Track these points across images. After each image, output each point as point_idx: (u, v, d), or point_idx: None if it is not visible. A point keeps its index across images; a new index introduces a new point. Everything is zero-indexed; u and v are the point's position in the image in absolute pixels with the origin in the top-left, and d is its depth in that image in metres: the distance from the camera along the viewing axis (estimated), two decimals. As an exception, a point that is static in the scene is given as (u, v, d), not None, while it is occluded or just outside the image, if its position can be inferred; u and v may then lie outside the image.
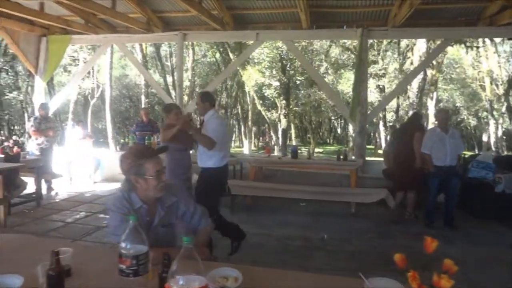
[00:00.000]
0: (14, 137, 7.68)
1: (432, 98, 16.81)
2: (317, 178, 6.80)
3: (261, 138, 31.70)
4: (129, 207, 1.93)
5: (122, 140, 24.52)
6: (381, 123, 20.97)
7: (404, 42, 18.27)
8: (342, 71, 20.66)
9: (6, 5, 6.18)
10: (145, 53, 19.91)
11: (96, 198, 6.76)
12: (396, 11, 6.32)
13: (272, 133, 23.77)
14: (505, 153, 18.52)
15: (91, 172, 7.97)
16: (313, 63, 18.06)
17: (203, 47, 22.16)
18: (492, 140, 19.52)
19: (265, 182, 6.74)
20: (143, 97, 21.13)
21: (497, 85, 18.78)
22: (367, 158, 7.62)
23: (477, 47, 18.21)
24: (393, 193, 5.95)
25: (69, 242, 4.08)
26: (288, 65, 18.95)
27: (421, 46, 14.15)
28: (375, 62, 18.17)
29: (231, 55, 19.24)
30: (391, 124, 21.37)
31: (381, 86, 19.33)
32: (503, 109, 19.06)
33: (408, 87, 14.66)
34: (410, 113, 15.39)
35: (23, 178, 5.84)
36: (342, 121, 31.73)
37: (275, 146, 21.41)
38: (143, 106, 18.91)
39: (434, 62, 14.34)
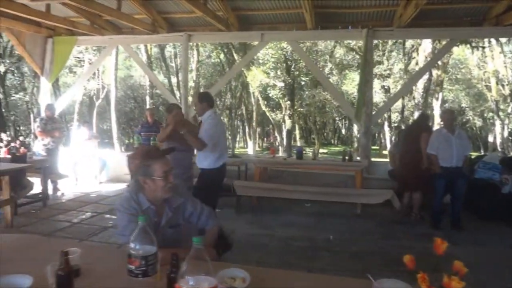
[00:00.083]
0: (20, 138, 7.71)
1: (437, 99, 16.73)
2: (322, 178, 6.79)
3: (265, 139, 31.70)
4: (137, 207, 1.94)
5: (126, 141, 24.63)
6: (386, 123, 20.89)
7: (409, 43, 18.21)
8: (347, 71, 20.60)
9: (13, 6, 6.22)
10: (150, 54, 20.00)
11: (102, 199, 6.79)
12: (401, 12, 6.30)
13: (276, 134, 23.76)
14: (512, 154, 18.40)
15: (97, 172, 8.01)
16: (317, 63, 18.03)
17: (208, 48, 22.20)
18: (498, 140, 19.39)
19: (270, 182, 6.74)
20: (147, 98, 21.21)
21: (503, 86, 18.66)
22: (372, 159, 7.59)
23: (483, 47, 18.11)
24: (399, 194, 5.93)
25: (75, 242, 4.10)
26: (292, 66, 18.93)
27: (426, 46, 14.10)
28: (380, 63, 18.11)
29: (235, 55, 19.26)
30: (396, 124, 21.28)
31: (386, 87, 19.26)
32: (509, 109, 18.94)
33: (414, 87, 14.61)
34: (416, 113, 15.36)
35: (29, 178, 5.88)
36: (347, 121, 31.68)
37: (279, 147, 21.39)
38: (148, 107, 18.95)
39: (439, 62, 14.27)
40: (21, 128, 23.08)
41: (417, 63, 17.07)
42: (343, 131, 35.70)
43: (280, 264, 4.03)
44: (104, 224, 5.29)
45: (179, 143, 4.16)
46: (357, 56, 18.54)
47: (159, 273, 1.50)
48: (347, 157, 6.47)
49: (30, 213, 5.76)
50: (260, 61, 18.31)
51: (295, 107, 20.35)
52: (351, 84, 19.83)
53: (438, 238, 1.30)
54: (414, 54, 18.21)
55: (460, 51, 20.18)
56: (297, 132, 22.31)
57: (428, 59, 12.94)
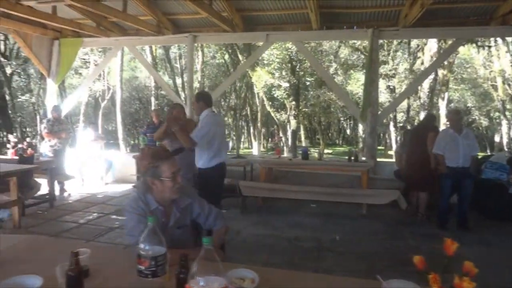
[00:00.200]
0: (27, 139, 7.76)
1: (443, 99, 16.64)
2: (328, 179, 6.77)
3: (270, 139, 31.69)
4: (145, 208, 1.95)
5: (132, 142, 24.73)
6: (391, 123, 20.80)
7: (414, 42, 18.13)
8: (352, 71, 20.54)
9: (19, 9, 6.28)
10: (154, 55, 20.07)
11: (108, 199, 6.82)
12: (407, 11, 6.27)
13: (281, 134, 23.75)
14: (518, 154, 18.25)
15: (103, 173, 8.04)
16: (322, 64, 18.00)
17: (212, 49, 22.25)
18: (505, 140, 19.25)
19: (276, 183, 6.74)
20: (152, 99, 21.29)
21: (509, 85, 18.52)
22: (378, 159, 7.56)
23: (489, 46, 17.99)
24: (405, 194, 5.91)
25: (83, 243, 4.13)
26: (297, 66, 18.92)
27: (432, 46, 14.03)
28: (385, 63, 18.04)
29: (240, 56, 19.28)
30: (401, 124, 21.19)
31: (391, 87, 19.19)
32: (516, 109, 18.80)
33: (419, 87, 14.53)
34: (421, 113, 15.28)
35: (36, 179, 5.92)
36: (351, 122, 31.59)
37: (284, 147, 21.37)
38: (153, 108, 19.04)
39: (445, 62, 14.19)
40: (28, 129, 23.23)
41: (422, 63, 16.99)
42: (348, 131, 35.60)
43: (286, 264, 4.03)
44: (110, 225, 5.31)
45: (179, 142, 4.18)
46: (362, 56, 18.49)
47: (168, 274, 1.51)
48: (352, 158, 6.45)
49: (37, 214, 5.80)
50: (265, 62, 18.31)
51: (300, 108, 20.33)
52: (355, 84, 19.77)
53: (448, 239, 1.29)
54: (420, 54, 18.12)
55: (465, 51, 20.06)
56: (302, 132, 22.28)
57: (434, 58, 12.87)
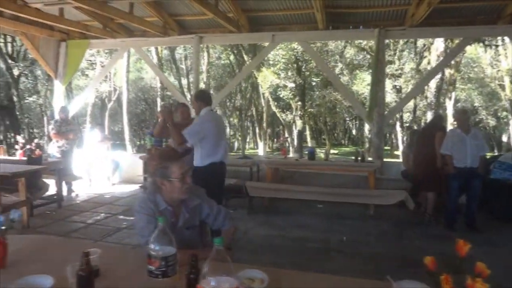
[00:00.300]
0: (35, 140, 7.83)
1: (450, 98, 16.52)
2: (334, 179, 6.75)
3: (275, 140, 31.67)
4: (154, 208, 1.96)
5: (138, 142, 24.83)
6: (398, 123, 20.70)
7: (421, 42, 18.02)
8: (357, 71, 20.47)
9: (27, 11, 6.34)
10: (160, 56, 20.14)
11: (115, 200, 6.85)
12: (413, 11, 6.24)
13: (287, 135, 23.73)
14: (527, 154, 18.02)
15: (110, 174, 8.08)
16: (328, 64, 17.96)
17: (217, 50, 22.29)
18: (513, 140, 19.09)
19: (282, 183, 6.73)
20: (158, 100, 21.35)
21: (517, 84, 18.34)
22: (384, 159, 7.53)
23: (496, 46, 17.83)
24: (413, 195, 5.88)
25: (91, 243, 4.15)
26: (303, 66, 18.89)
27: (438, 45, 13.94)
28: (391, 62, 17.96)
29: (245, 57, 19.29)
30: (407, 125, 21.08)
31: (397, 87, 19.10)
32: (524, 108, 18.57)
33: (426, 87, 14.44)
34: (428, 113, 15.20)
35: (44, 180, 5.96)
36: (357, 122, 31.47)
37: (290, 148, 21.34)
38: (159, 108, 19.09)
39: (452, 61, 14.10)
40: (35, 130, 23.41)
41: (429, 62, 16.89)
42: (354, 131, 35.47)
43: (293, 265, 4.01)
44: (118, 225, 5.34)
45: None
46: (368, 56, 18.42)
47: (178, 274, 1.51)
48: (359, 158, 6.43)
49: (45, 214, 5.84)
50: (271, 62, 18.31)
51: (306, 108, 20.31)
52: (361, 84, 19.70)
53: (461, 240, 1.28)
54: (426, 53, 18.02)
55: (472, 50, 19.90)
56: (307, 132, 22.24)
57: (441, 58, 12.80)
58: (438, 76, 14.20)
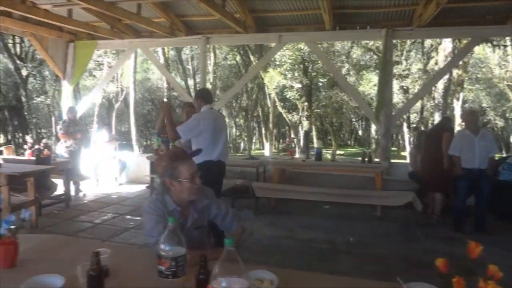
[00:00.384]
0: (44, 140, 7.89)
1: (458, 99, 16.40)
2: (341, 180, 6.73)
3: (281, 140, 31.64)
4: (163, 209, 1.96)
5: (144, 143, 24.93)
6: (404, 124, 20.58)
7: (428, 42, 17.91)
8: (364, 72, 20.40)
9: (36, 12, 6.40)
10: (167, 57, 20.22)
11: (122, 200, 6.89)
12: (421, 11, 6.20)
13: (293, 135, 23.71)
14: (535, 155, 17.84)
15: (117, 174, 8.12)
16: (334, 64, 17.92)
17: (224, 50, 22.33)
18: (521, 141, 18.90)
19: (289, 184, 6.72)
20: (165, 100, 21.42)
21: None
22: (391, 160, 7.49)
23: (504, 46, 17.68)
24: (420, 196, 5.84)
25: (99, 243, 4.17)
26: (310, 67, 18.86)
27: (446, 45, 13.84)
28: (398, 63, 17.87)
29: (251, 57, 19.31)
30: (414, 125, 20.95)
31: (404, 87, 19.00)
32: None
33: (433, 87, 14.35)
34: (436, 114, 15.08)
35: (52, 180, 6.01)
36: (363, 123, 31.35)
37: (296, 148, 21.31)
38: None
39: (460, 61, 14.00)
40: (42, 130, 23.60)
41: (436, 63, 16.78)
42: (360, 132, 35.35)
43: (300, 266, 4.00)
44: (125, 225, 5.36)
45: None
46: (375, 56, 18.34)
47: (187, 274, 1.51)
48: (366, 159, 6.40)
49: (53, 214, 5.89)
50: (277, 63, 18.30)
51: (312, 108, 20.27)
52: (367, 84, 19.63)
53: (473, 242, 1.27)
54: (433, 54, 17.90)
55: (480, 50, 19.76)
56: (313, 133, 22.19)
57: (449, 58, 12.69)
58: (446, 76, 14.08)
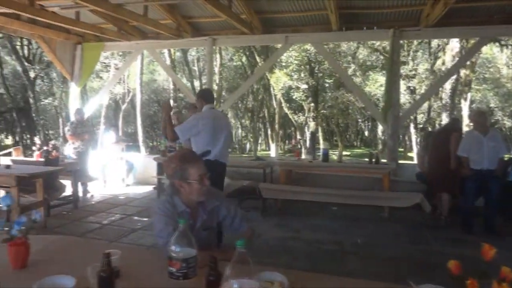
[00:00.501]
0: (52, 142, 7.95)
1: (465, 99, 16.26)
2: (348, 181, 6.70)
3: (287, 141, 31.61)
4: (173, 210, 1.97)
5: (151, 144, 25.03)
6: (412, 125, 20.47)
7: (435, 42, 17.80)
8: (370, 72, 20.32)
9: (44, 14, 6.46)
10: (173, 58, 20.30)
11: (130, 201, 6.91)
12: (429, 11, 6.17)
13: (299, 136, 23.67)
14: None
15: (124, 175, 8.16)
16: (341, 65, 17.87)
17: (230, 51, 22.37)
18: (530, 142, 18.72)
19: (296, 185, 6.70)
20: (171, 102, 21.48)
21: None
22: (398, 161, 7.44)
23: (513, 45, 17.54)
24: (428, 197, 5.80)
25: (107, 243, 4.18)
26: (316, 68, 18.83)
27: (454, 45, 13.74)
28: (405, 63, 17.78)
29: (257, 58, 19.31)
30: (421, 126, 20.83)
31: (411, 88, 18.89)
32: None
33: (440, 88, 14.25)
34: (443, 115, 14.98)
35: (61, 181, 6.05)
36: (370, 123, 31.22)
37: (302, 149, 21.27)
38: (172, 110, 19.24)
39: (467, 62, 13.89)
40: (50, 132, 23.79)
41: (443, 63, 16.67)
42: (366, 133, 35.21)
43: (308, 267, 3.99)
44: (133, 226, 5.38)
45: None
46: (381, 57, 18.26)
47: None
48: (374, 160, 6.36)
49: (61, 214, 5.92)
50: (283, 64, 18.29)
51: (319, 109, 20.23)
52: (374, 85, 19.55)
53: (486, 244, 1.26)
54: (440, 54, 17.79)
55: (488, 50, 19.61)
56: (320, 134, 22.14)
57: (456, 58, 12.60)
58: (453, 76, 13.98)
